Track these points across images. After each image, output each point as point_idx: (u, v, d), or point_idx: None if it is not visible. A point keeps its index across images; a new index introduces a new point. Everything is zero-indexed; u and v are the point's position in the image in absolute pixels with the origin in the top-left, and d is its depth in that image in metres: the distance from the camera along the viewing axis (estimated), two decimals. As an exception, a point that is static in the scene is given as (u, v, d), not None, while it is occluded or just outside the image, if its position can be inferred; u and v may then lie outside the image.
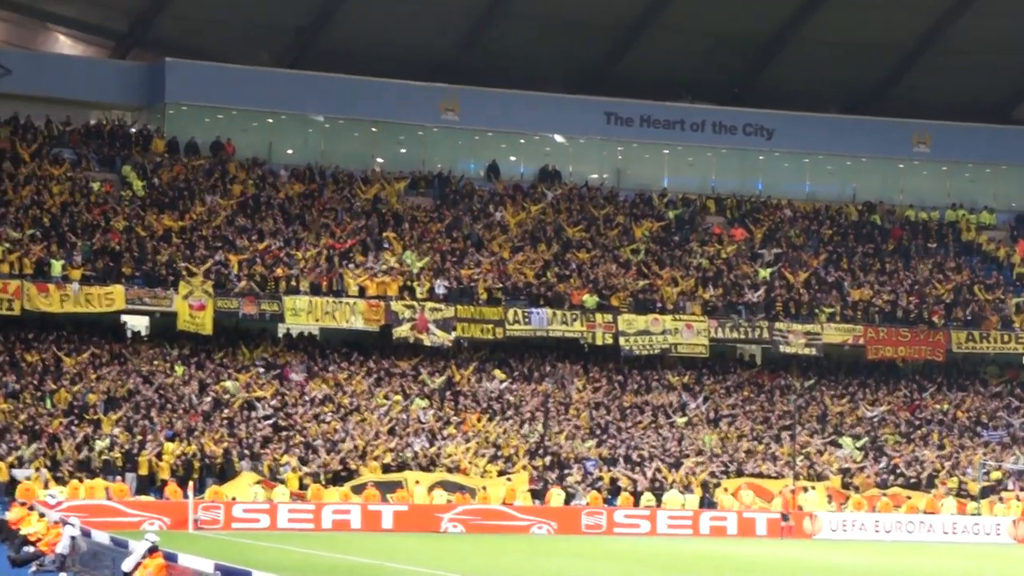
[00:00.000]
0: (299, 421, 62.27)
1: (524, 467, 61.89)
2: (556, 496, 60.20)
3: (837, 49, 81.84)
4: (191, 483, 55.86)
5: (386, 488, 58.77)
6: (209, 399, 62.08)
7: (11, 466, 55.29)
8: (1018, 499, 64.43)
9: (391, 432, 62.77)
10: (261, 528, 54.96)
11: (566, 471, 62.46)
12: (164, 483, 56.55)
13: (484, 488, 59.87)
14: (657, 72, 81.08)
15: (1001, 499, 65.07)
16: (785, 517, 60.44)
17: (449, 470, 60.77)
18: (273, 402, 63.13)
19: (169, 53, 74.68)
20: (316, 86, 76.16)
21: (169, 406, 61.01)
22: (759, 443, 67.33)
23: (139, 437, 58.26)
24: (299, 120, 77.65)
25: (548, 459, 62.99)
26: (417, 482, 59.17)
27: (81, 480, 54.87)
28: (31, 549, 39.90)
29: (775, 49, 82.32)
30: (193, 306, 63.88)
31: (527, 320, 68.74)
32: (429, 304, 67.37)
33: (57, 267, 62.84)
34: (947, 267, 78.87)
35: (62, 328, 64.24)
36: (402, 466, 60.40)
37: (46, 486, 53.70)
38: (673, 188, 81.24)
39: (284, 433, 61.13)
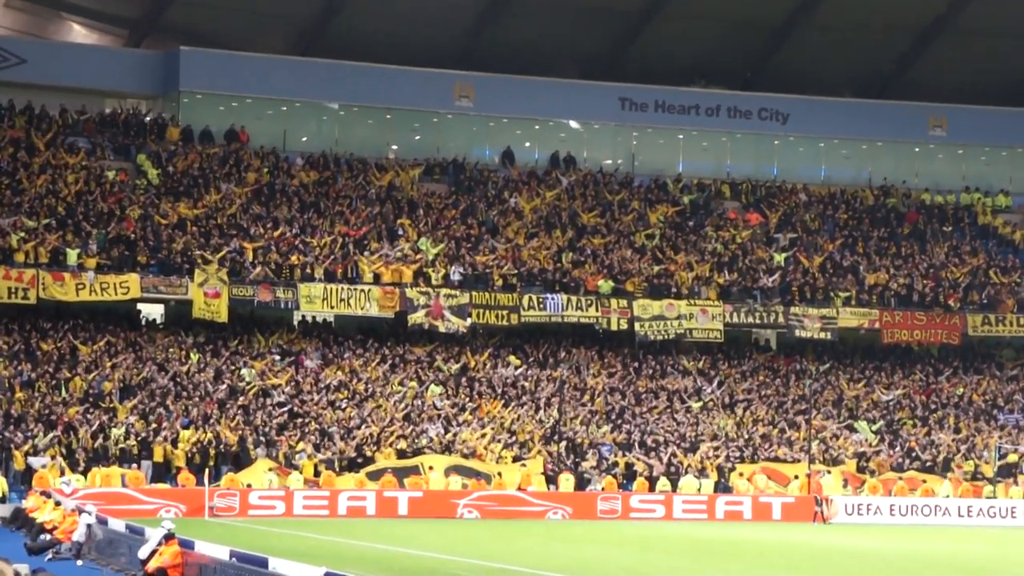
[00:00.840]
0: (314, 408, 62.36)
1: (539, 453, 61.92)
2: (565, 481, 60.21)
3: (851, 32, 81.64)
4: (207, 470, 56.00)
5: (402, 474, 58.88)
6: (224, 386, 62.19)
7: (27, 454, 55.45)
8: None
9: (406, 419, 62.82)
10: (277, 515, 55.06)
11: (581, 457, 62.48)
12: (179, 470, 56.68)
13: (499, 474, 59.92)
14: (670, 57, 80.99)
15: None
16: (819, 502, 60.36)
17: (464, 456, 60.82)
18: (288, 389, 63.23)
19: (183, 41, 74.72)
20: (330, 74, 76.20)
21: (184, 394, 61.13)
22: (774, 428, 67.27)
23: (154, 425, 58.41)
24: (313, 108, 77.67)
25: (563, 445, 63.03)
26: (431, 468, 59.20)
27: (97, 468, 55.01)
28: (47, 537, 40.03)
29: (788, 33, 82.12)
30: (208, 294, 63.98)
31: (542, 306, 68.70)
32: (444, 290, 67.38)
33: (72, 256, 62.93)
34: (963, 250, 78.68)
35: (77, 317, 64.38)
36: (417, 452, 60.48)
37: (62, 474, 53.82)
38: (688, 173, 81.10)
39: (299, 420, 61.25)
